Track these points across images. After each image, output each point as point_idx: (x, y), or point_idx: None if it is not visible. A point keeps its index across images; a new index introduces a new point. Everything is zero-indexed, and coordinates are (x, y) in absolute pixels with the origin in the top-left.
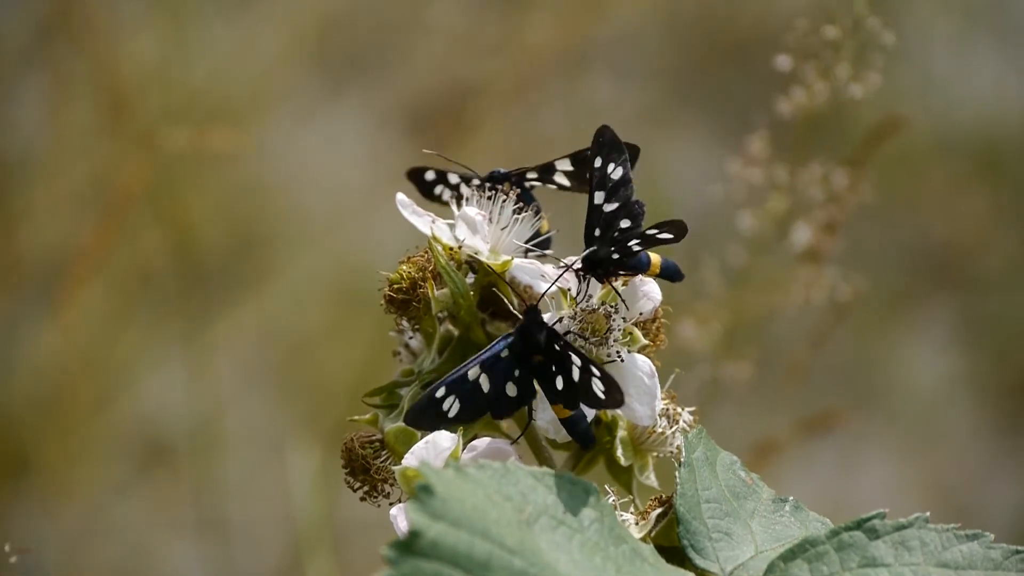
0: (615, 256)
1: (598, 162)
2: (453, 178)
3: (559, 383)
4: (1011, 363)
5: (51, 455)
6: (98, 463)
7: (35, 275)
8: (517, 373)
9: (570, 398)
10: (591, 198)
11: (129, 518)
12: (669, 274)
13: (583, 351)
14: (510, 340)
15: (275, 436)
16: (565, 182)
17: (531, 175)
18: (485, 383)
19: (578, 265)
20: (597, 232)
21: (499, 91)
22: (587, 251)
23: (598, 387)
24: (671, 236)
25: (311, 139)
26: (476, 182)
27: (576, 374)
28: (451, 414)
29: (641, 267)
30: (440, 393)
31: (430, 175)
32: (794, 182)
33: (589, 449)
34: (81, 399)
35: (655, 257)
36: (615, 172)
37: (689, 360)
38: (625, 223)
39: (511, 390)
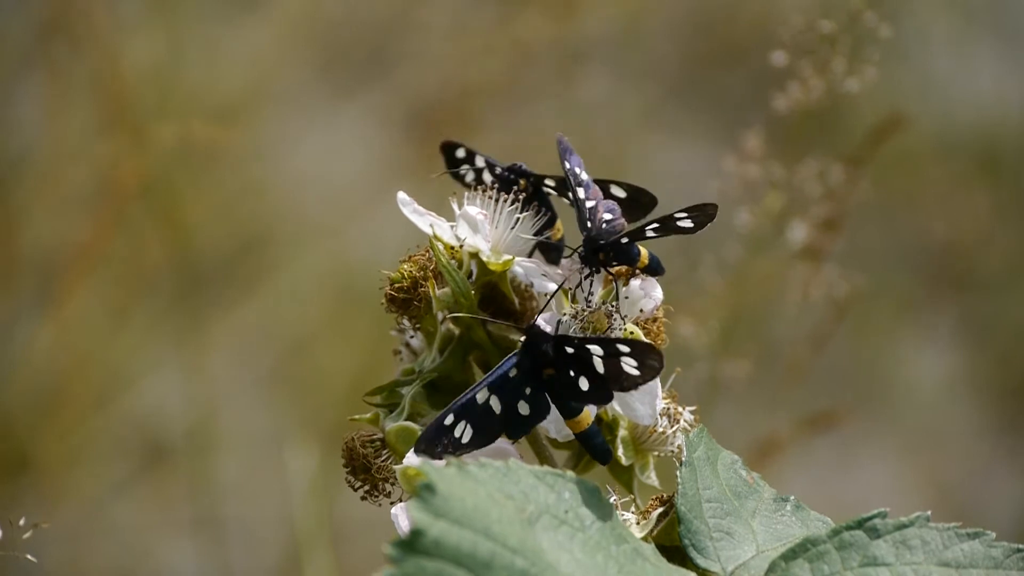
0: (623, 240)
1: (566, 164)
2: (480, 161)
3: (583, 384)
4: (1011, 363)
5: (49, 455)
6: (96, 463)
7: (33, 274)
8: (528, 391)
9: (601, 393)
10: (574, 192)
11: (127, 518)
12: (653, 268)
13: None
14: (516, 359)
15: (273, 435)
16: (582, 195)
17: (549, 182)
18: (496, 404)
19: (581, 251)
20: (589, 224)
21: (497, 90)
22: (587, 235)
23: (630, 365)
24: (692, 225)
25: (310, 139)
26: (499, 170)
27: (600, 365)
28: (464, 440)
29: (633, 257)
30: (449, 420)
31: (461, 152)
32: (791, 179)
33: (606, 464)
34: (79, 399)
35: (643, 250)
36: (582, 174)
37: (688, 358)
38: (608, 216)
39: (523, 408)
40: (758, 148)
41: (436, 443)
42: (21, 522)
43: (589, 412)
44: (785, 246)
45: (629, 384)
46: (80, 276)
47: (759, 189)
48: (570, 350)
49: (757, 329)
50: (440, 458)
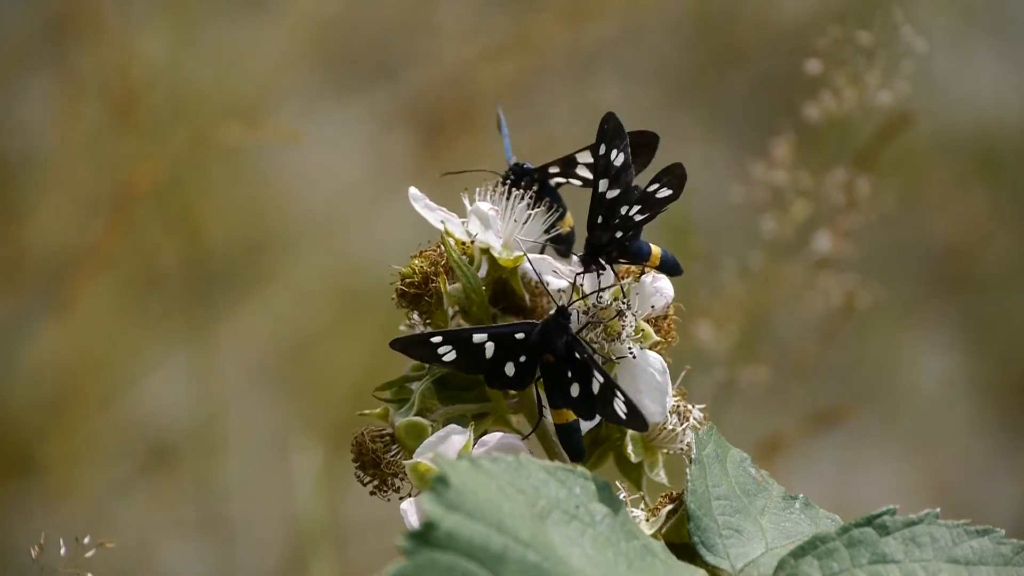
0: (618, 235)
1: (602, 149)
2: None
3: (574, 390)
4: (1012, 363)
5: (54, 454)
6: (101, 462)
7: (40, 274)
8: (522, 359)
9: (585, 407)
10: (595, 186)
11: (131, 517)
12: (668, 267)
13: (599, 354)
14: (529, 328)
15: (278, 435)
16: (587, 175)
17: (553, 169)
18: (490, 350)
19: (581, 252)
20: (599, 220)
21: (505, 92)
22: (588, 239)
23: (620, 408)
24: (671, 191)
25: (317, 140)
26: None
27: (596, 387)
28: (446, 358)
29: (642, 255)
30: (436, 340)
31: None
32: (811, 185)
33: (578, 461)
34: (85, 398)
35: (655, 248)
36: (617, 159)
37: (707, 362)
38: (624, 209)
39: (509, 369)
40: (786, 156)
41: (413, 346)
42: (86, 540)
43: None
44: (805, 253)
45: (612, 419)
46: (87, 276)
47: (772, 194)
48: (577, 356)
49: (765, 331)
50: (414, 358)
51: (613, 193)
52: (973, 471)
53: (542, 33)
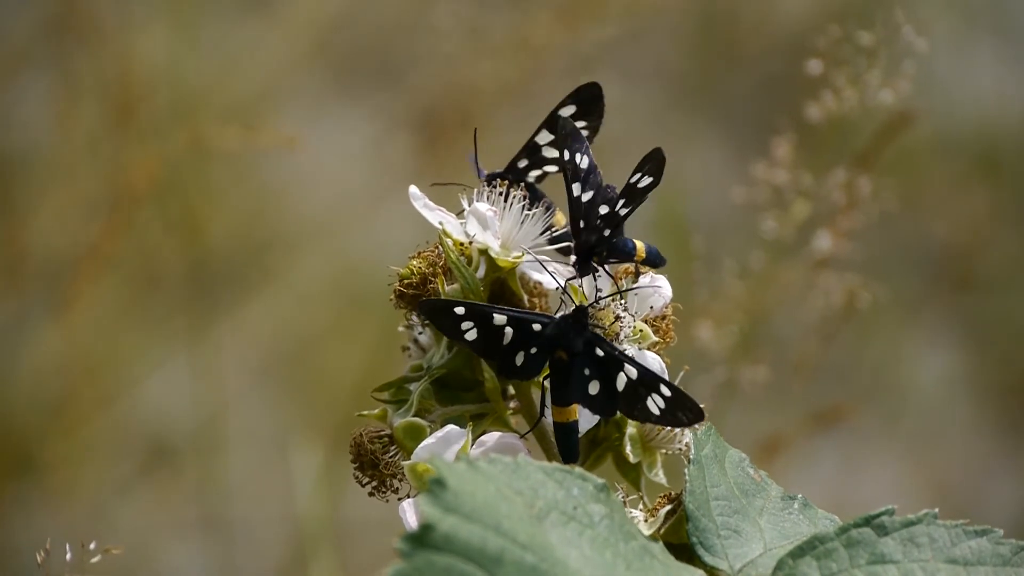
0: (607, 234)
1: (566, 155)
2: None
3: (593, 387)
4: (1012, 363)
5: (55, 455)
6: (102, 463)
7: (41, 274)
8: (533, 350)
9: (607, 406)
10: (569, 191)
11: (132, 518)
12: (652, 259)
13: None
14: (547, 321)
15: (278, 436)
16: (555, 154)
17: (522, 163)
18: (509, 336)
19: (573, 257)
20: (582, 224)
21: (505, 92)
22: (576, 245)
23: (656, 404)
24: (652, 178)
25: (317, 140)
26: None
27: (623, 384)
28: (467, 336)
29: (628, 251)
30: (459, 310)
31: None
32: (807, 185)
33: (571, 463)
34: (85, 399)
35: (639, 243)
36: (583, 162)
37: (704, 362)
38: (603, 209)
39: (519, 359)
40: (787, 154)
41: (438, 313)
42: (92, 546)
43: (578, 407)
44: (805, 253)
45: (640, 416)
46: (87, 276)
47: (773, 194)
48: (600, 353)
49: (765, 331)
50: (436, 326)
51: (587, 196)
52: (973, 471)
53: (542, 34)
